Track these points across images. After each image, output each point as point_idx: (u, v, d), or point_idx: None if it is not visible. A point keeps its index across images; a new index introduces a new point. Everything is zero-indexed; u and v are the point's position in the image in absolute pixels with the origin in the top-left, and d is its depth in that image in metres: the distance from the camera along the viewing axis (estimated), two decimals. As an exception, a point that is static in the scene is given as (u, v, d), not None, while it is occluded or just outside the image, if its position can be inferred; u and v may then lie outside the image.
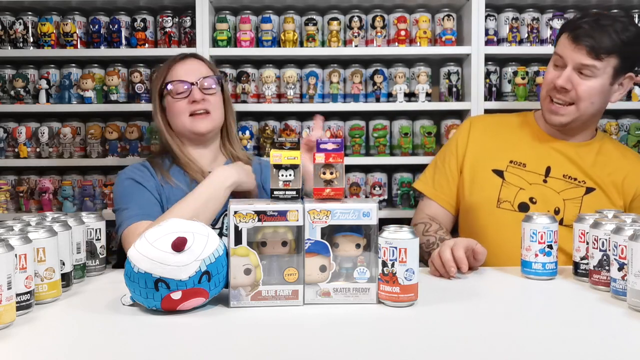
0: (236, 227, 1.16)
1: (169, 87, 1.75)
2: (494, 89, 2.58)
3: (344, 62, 2.62)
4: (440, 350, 0.98)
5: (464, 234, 1.88)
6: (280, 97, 2.58)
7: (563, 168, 1.78)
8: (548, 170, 1.78)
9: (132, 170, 1.73)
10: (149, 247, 1.11)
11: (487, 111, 2.46)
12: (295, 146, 1.22)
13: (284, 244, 1.19)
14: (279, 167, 1.20)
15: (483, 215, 1.79)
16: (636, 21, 2.56)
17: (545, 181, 1.77)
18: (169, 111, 1.79)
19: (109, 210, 2.50)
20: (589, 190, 1.76)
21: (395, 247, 1.15)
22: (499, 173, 1.80)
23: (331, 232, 1.19)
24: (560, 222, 1.71)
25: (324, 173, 1.19)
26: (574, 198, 1.75)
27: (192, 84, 1.75)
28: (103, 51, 2.55)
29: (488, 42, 2.49)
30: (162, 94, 1.79)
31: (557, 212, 1.74)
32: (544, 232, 1.37)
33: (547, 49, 2.47)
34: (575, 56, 1.69)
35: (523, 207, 1.75)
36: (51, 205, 2.56)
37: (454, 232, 2.00)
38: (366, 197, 2.61)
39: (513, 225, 1.62)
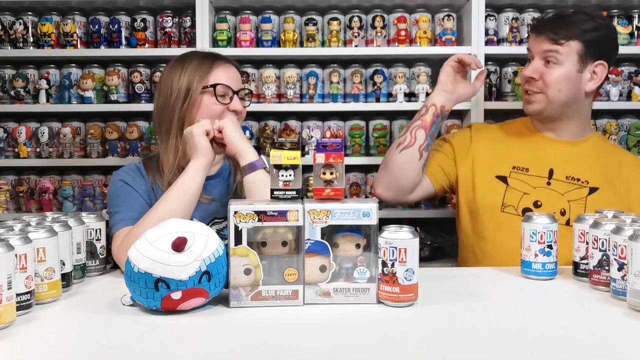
0: (236, 227, 1.16)
1: (217, 89, 1.65)
2: (494, 89, 2.58)
3: (344, 62, 2.62)
4: (440, 350, 0.98)
5: (466, 235, 1.88)
6: (280, 97, 2.58)
7: (565, 169, 1.79)
8: (551, 172, 1.79)
9: (125, 172, 1.69)
10: (149, 247, 1.11)
11: (487, 111, 2.46)
12: (295, 146, 1.22)
13: (284, 244, 1.19)
14: (279, 167, 1.20)
15: (487, 219, 1.81)
16: (635, 21, 2.56)
17: (549, 184, 1.78)
18: (201, 110, 1.66)
19: (109, 210, 2.50)
20: (592, 190, 1.77)
21: (395, 247, 1.15)
22: (503, 179, 1.82)
23: (331, 232, 1.19)
24: (567, 223, 1.73)
25: (324, 173, 1.19)
26: (579, 199, 1.76)
27: (234, 92, 1.69)
28: (103, 51, 2.55)
29: (488, 42, 2.49)
30: (193, 90, 1.65)
31: (563, 213, 1.75)
32: (544, 232, 1.37)
33: (547, 49, 2.47)
34: (539, 45, 1.77)
35: (527, 211, 1.76)
36: (51, 205, 2.56)
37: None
38: (366, 197, 2.61)
39: (516, 228, 1.67)
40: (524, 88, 1.82)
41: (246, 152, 1.56)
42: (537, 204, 1.76)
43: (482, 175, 1.84)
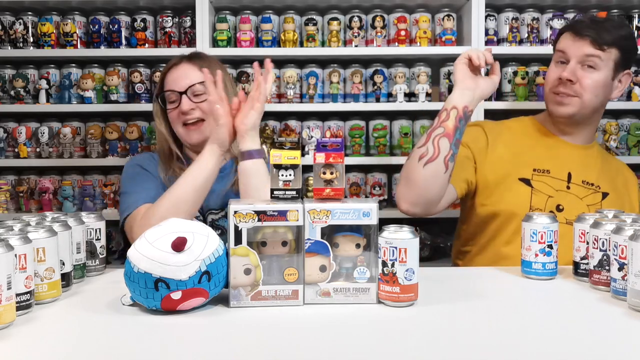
0: (236, 227, 1.16)
1: (160, 98, 1.77)
2: (494, 89, 2.58)
3: (344, 62, 2.63)
4: (440, 350, 0.98)
5: (485, 238, 1.82)
6: (280, 97, 2.58)
7: (581, 174, 1.78)
8: (569, 176, 1.78)
9: (141, 158, 1.80)
10: (149, 247, 1.11)
11: (487, 111, 2.46)
12: (295, 146, 1.22)
13: (284, 243, 1.19)
14: (279, 167, 1.20)
15: (515, 223, 1.72)
16: (635, 22, 2.57)
17: (568, 187, 1.76)
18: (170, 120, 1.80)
19: (109, 210, 2.50)
20: (604, 195, 1.78)
21: (395, 247, 1.15)
22: (526, 181, 1.77)
23: (331, 232, 1.19)
24: None
25: (324, 173, 1.19)
26: (595, 204, 1.76)
27: (181, 93, 1.71)
28: (103, 51, 2.55)
29: (488, 42, 2.50)
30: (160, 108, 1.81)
31: None
32: (544, 232, 1.37)
33: (547, 49, 2.47)
34: (579, 49, 1.73)
35: None
36: (51, 205, 2.56)
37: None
38: (366, 197, 2.61)
39: None
40: (556, 90, 1.77)
41: (252, 139, 1.55)
42: (559, 208, 1.73)
43: (505, 178, 1.78)
